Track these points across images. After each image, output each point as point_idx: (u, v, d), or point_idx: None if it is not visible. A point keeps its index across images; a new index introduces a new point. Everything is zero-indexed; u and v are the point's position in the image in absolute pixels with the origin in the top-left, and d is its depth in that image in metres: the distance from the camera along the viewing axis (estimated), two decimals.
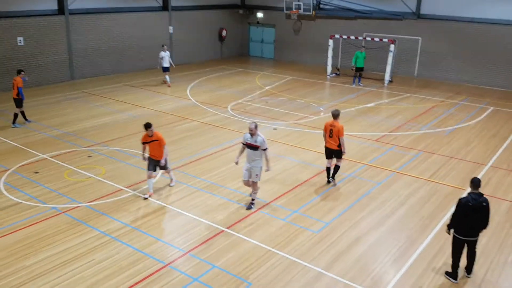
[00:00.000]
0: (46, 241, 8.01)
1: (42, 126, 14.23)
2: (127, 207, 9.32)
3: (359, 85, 21.71)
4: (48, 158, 11.72)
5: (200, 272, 7.31)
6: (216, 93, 19.46)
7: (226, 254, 7.81)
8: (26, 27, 18.65)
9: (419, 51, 23.68)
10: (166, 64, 19.91)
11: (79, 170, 11.03)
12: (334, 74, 24.18)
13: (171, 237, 8.32)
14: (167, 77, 20.24)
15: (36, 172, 10.82)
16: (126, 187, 10.19)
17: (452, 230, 7.14)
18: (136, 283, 6.98)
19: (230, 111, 16.65)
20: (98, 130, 14.10)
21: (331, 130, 10.23)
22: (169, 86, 20.12)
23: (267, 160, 9.09)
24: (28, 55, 18.95)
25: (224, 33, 27.95)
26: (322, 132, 10.79)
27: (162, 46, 20.29)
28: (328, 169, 10.70)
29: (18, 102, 14.00)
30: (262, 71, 24.75)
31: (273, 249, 7.99)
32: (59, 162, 11.48)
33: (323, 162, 12.03)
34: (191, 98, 18.38)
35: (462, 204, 6.89)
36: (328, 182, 10.70)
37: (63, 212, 9.04)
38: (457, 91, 20.93)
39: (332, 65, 24.22)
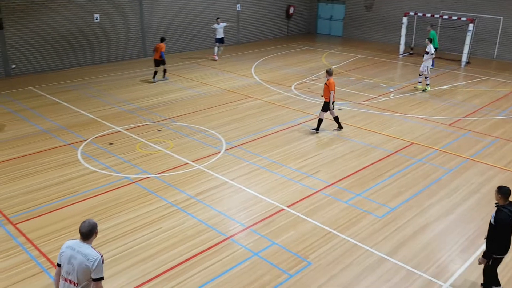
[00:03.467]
0: (119, 208, 8.54)
1: (117, 100, 15.01)
2: (192, 180, 9.66)
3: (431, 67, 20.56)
4: (122, 130, 12.38)
5: (260, 247, 7.45)
6: (281, 71, 19.35)
7: (286, 232, 7.88)
8: (102, 4, 19.55)
9: (499, 32, 21.87)
10: (219, 35, 20.77)
11: (150, 143, 11.56)
12: (407, 54, 23.07)
13: (233, 211, 8.52)
14: (216, 48, 20.99)
15: (111, 144, 11.49)
16: (192, 161, 10.53)
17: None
18: (200, 253, 7.27)
19: (294, 90, 16.52)
20: (167, 105, 14.62)
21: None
22: (214, 60, 20.90)
23: None
24: (104, 32, 19.91)
25: (291, 10, 27.54)
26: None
27: (217, 19, 21.00)
28: (321, 120, 12.28)
29: (160, 62, 17.10)
30: (329, 49, 24.19)
31: (334, 231, 7.93)
32: (131, 135, 12.10)
33: (391, 145, 11.67)
34: (255, 77, 18.44)
35: (506, 223, 5.83)
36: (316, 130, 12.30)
37: (135, 181, 9.56)
38: None
39: (405, 44, 23.10)
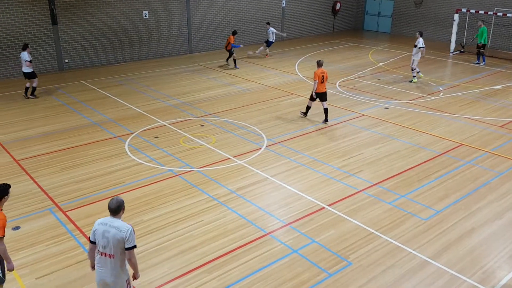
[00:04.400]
0: (162, 199, 8.76)
1: (163, 95, 15.38)
2: (233, 175, 9.75)
3: (483, 64, 19.67)
4: (167, 125, 12.68)
5: (300, 244, 7.42)
6: (325, 68, 19.00)
7: (326, 231, 7.80)
8: (150, 1, 20.07)
9: None
10: (269, 38, 20.83)
11: (193, 138, 11.77)
12: (458, 52, 22.16)
13: (272, 208, 8.53)
14: (261, 48, 21.22)
15: (156, 137, 11.79)
16: (233, 157, 10.63)
17: None
18: (239, 247, 7.34)
19: (338, 88, 16.28)
20: (210, 101, 14.83)
21: (322, 76, 12.51)
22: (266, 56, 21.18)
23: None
24: (152, 28, 20.44)
25: (338, 6, 27.14)
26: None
27: (267, 23, 21.23)
28: (326, 109, 12.73)
29: (231, 53, 18.83)
30: (376, 46, 23.65)
31: (376, 232, 7.76)
32: (176, 129, 12.37)
33: (439, 146, 11.29)
34: (299, 73, 18.33)
35: None
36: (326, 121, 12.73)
37: (178, 174, 9.78)
38: None
39: (456, 42, 22.20)
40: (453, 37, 22.03)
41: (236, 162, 10.40)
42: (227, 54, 19.53)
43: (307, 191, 9.11)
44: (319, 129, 12.38)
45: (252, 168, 10.07)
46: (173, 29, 21.12)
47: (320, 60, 12.76)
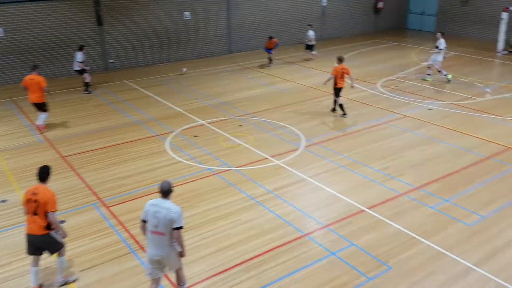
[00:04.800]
0: (200, 197, 8.88)
1: (202, 95, 15.60)
2: (271, 175, 9.74)
3: None
4: (206, 124, 12.84)
5: (338, 247, 7.31)
6: (366, 68, 18.77)
7: (366, 234, 7.65)
8: (192, 3, 20.38)
9: None
10: (308, 42, 20.28)
11: (231, 137, 11.86)
12: (506, 52, 21.19)
13: (310, 209, 8.46)
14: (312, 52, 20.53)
15: (196, 136, 11.96)
16: (271, 156, 10.62)
17: None
18: (276, 247, 7.32)
19: (380, 88, 15.94)
20: (249, 101, 14.89)
21: (342, 72, 12.76)
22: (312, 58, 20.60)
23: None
24: (193, 29, 20.76)
25: (380, 4, 26.56)
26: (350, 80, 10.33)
27: (308, 25, 20.77)
28: (341, 105, 13.08)
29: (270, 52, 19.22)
30: (420, 46, 22.98)
31: (418, 237, 7.54)
32: (214, 128, 12.50)
33: (485, 150, 10.86)
34: None
35: None
36: (344, 114, 13.06)
37: (216, 173, 9.88)
38: None
39: (505, 41, 21.22)
40: (501, 37, 21.08)
41: (274, 162, 10.39)
42: (268, 54, 19.54)
43: (346, 193, 8.97)
44: (359, 130, 12.17)
45: (290, 169, 10.02)
46: (213, 30, 21.36)
47: (341, 56, 13.17)
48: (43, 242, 6.12)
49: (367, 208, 8.43)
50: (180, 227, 5.47)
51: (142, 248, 7.34)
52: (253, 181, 9.51)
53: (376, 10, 26.82)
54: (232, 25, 21.78)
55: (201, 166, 10.22)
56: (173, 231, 5.44)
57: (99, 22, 18.23)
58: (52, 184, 8.82)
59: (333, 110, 13.50)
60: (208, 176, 9.75)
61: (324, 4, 24.50)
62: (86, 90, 15.75)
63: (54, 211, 6.05)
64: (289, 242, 7.46)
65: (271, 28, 22.99)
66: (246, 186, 9.29)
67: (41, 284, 6.43)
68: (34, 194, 6.00)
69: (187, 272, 6.70)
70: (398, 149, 10.99)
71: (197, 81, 17.40)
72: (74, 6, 17.65)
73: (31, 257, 6.34)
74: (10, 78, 16.79)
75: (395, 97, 14.85)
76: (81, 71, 15.33)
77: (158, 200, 5.58)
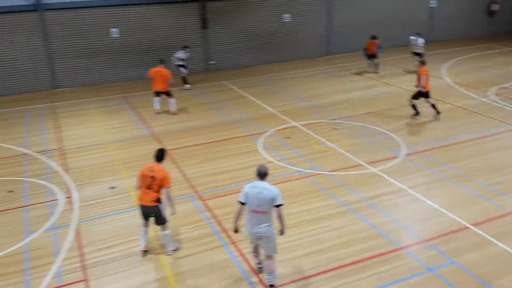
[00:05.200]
0: (291, 199, 8.82)
1: (297, 97, 15.57)
2: (366, 183, 9.38)
3: None
4: (299, 126, 12.79)
5: (436, 263, 6.80)
6: (477, 74, 17.30)
7: (468, 252, 7.03)
8: (292, 5, 20.46)
9: None
10: (415, 50, 17.98)
11: (324, 140, 11.66)
12: None
13: (408, 221, 7.98)
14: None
15: (288, 137, 11.97)
16: (366, 163, 10.24)
17: None
18: (369, 258, 7.02)
19: (492, 96, 14.58)
20: (345, 104, 14.53)
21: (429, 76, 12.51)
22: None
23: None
24: (291, 31, 20.83)
25: (495, 7, 24.34)
26: None
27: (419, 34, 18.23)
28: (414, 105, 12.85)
29: (371, 56, 17.94)
30: None
31: None
32: (307, 130, 12.40)
33: None
34: (446, 78, 16.88)
35: None
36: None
37: (308, 176, 9.77)
38: None
39: None
40: None
41: (370, 169, 9.99)
42: (370, 60, 18.30)
43: (449, 207, 8.31)
44: (467, 141, 11.23)
45: (387, 177, 9.57)
46: (312, 31, 21.23)
47: (424, 58, 13.32)
48: (153, 213, 6.97)
49: (471, 225, 7.73)
50: (281, 205, 6.00)
51: (234, 242, 7.50)
52: (347, 187, 9.24)
53: (490, 13, 24.64)
54: (332, 26, 21.49)
55: (293, 168, 10.18)
56: (275, 209, 6.00)
57: (204, 26, 19.11)
58: None
59: (438, 113, 12.83)
60: (299, 179, 9.68)
61: (433, 6, 23.10)
62: (185, 84, 16.82)
63: (169, 187, 6.84)
64: (383, 254, 7.11)
65: (374, 30, 22.16)
66: (338, 192, 9.05)
67: (146, 248, 7.23)
68: (151, 171, 6.84)
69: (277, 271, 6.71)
70: (510, 163, 9.93)
71: (293, 82, 17.43)
72: (183, 10, 18.69)
73: (141, 224, 7.23)
74: (123, 76, 18.31)
75: (508, 106, 13.48)
76: (179, 66, 16.58)
77: (256, 182, 6.10)
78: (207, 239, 7.67)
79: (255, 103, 15.05)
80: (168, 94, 13.94)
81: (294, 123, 12.97)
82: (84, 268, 7.04)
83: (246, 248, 7.21)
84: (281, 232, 6.23)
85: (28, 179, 10.01)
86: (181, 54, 16.49)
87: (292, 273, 6.76)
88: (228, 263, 7.03)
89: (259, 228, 6.06)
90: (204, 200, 8.95)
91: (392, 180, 9.41)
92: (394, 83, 16.63)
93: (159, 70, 13.61)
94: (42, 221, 8.33)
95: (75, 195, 9.28)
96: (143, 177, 6.86)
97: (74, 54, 17.36)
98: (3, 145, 12.02)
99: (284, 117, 13.51)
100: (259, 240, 6.21)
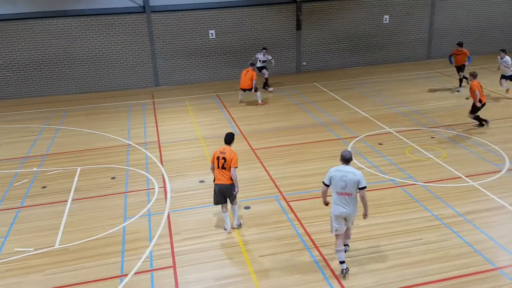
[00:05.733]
0: (380, 208, 8.50)
1: (393, 101, 14.95)
2: (463, 197, 8.72)
3: None
4: (393, 132, 12.26)
5: None
6: None
7: None
8: (393, 6, 19.66)
9: None
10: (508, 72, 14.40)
11: (420, 149, 11.04)
12: None
13: (507, 240, 7.30)
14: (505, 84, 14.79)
15: (380, 144, 11.53)
16: (465, 176, 9.51)
17: None
18: (460, 276, 6.54)
19: None
20: (445, 111, 13.63)
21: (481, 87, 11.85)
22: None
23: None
24: (390, 33, 20.02)
25: None
26: None
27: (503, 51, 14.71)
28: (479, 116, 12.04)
29: (460, 67, 15.56)
30: None
31: None
32: (402, 137, 11.84)
33: None
34: None
35: None
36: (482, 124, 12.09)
37: (400, 186, 9.33)
38: None
39: None
40: None
41: (469, 182, 9.26)
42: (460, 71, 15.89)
43: None
44: None
45: (487, 192, 8.80)
46: (413, 34, 20.22)
47: (474, 72, 12.27)
48: (228, 190, 7.67)
49: None
50: (365, 187, 6.38)
51: (316, 246, 7.42)
52: (442, 200, 8.66)
53: None
54: (434, 29, 20.28)
55: (384, 176, 9.79)
56: (360, 191, 6.38)
57: (298, 27, 19.15)
58: (242, 172, 9.70)
59: (481, 125, 12.23)
60: (390, 188, 9.28)
61: None
62: (265, 86, 17.01)
63: (236, 167, 7.58)
64: (476, 273, 6.58)
65: (478, 34, 20.61)
66: (432, 205, 8.52)
67: (231, 230, 8.01)
68: (222, 153, 7.61)
69: (354, 283, 6.52)
70: None
71: (389, 86, 16.76)
72: (278, 12, 18.90)
73: (219, 207, 8.06)
74: (216, 75, 19.03)
75: None
76: (261, 68, 16.79)
77: (341, 166, 6.49)
78: (289, 240, 7.68)
79: (347, 106, 14.73)
80: (254, 90, 15.11)
81: (388, 129, 12.46)
82: (173, 255, 7.45)
83: (328, 254, 7.10)
84: (364, 215, 6.58)
85: (129, 168, 10.86)
86: (261, 56, 16.75)
87: (375, 285, 6.51)
88: (311, 266, 6.98)
89: (344, 209, 6.47)
90: (288, 201, 8.97)
91: (493, 196, 8.64)
92: (500, 91, 15.20)
93: (248, 70, 15.13)
94: (139, 208, 8.98)
95: (168, 185, 9.86)
96: (216, 159, 7.62)
97: (174, 54, 18.43)
98: (111, 136, 13.17)
99: (377, 122, 13.04)
100: (343, 220, 6.59)
